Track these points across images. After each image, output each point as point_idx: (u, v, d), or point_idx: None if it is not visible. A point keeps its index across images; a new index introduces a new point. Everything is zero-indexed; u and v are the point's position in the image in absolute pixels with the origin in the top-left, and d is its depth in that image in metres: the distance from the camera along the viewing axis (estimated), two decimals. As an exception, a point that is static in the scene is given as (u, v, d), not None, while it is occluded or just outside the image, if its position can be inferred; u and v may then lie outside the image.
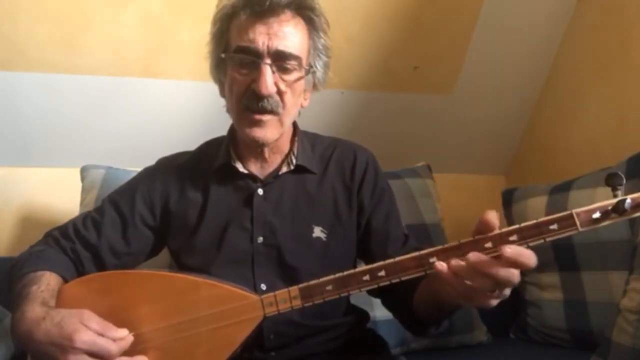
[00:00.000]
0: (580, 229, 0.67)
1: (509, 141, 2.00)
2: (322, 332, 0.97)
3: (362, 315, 1.07)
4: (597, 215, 0.67)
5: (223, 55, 0.93)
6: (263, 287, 0.94)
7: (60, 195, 1.63)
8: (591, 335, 1.26)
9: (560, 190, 1.40)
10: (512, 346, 1.44)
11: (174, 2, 1.47)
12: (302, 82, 0.93)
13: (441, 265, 0.68)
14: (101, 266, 0.97)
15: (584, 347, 1.25)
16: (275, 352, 0.93)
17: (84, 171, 1.52)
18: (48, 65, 1.48)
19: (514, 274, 0.66)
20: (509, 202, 1.58)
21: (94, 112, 1.60)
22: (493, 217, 0.68)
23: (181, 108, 1.65)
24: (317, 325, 0.96)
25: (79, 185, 1.50)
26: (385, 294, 0.99)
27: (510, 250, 0.65)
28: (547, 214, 0.68)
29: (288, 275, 0.95)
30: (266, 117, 0.90)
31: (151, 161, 1.09)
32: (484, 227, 0.68)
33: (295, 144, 1.02)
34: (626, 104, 1.53)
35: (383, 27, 1.62)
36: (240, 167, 0.99)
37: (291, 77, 0.91)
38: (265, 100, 0.88)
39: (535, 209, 1.44)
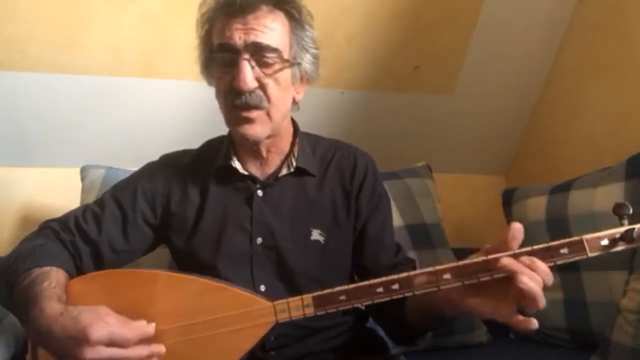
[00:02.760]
0: (590, 255, 0.70)
1: (509, 141, 2.00)
2: (322, 331, 0.97)
3: (362, 315, 1.06)
4: (605, 242, 0.70)
5: (207, 56, 0.94)
6: (262, 288, 0.93)
7: (60, 195, 1.63)
8: (591, 335, 1.26)
9: (560, 190, 1.40)
10: (512, 346, 1.43)
11: (174, 2, 1.46)
12: (286, 75, 0.92)
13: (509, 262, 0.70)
14: (99, 261, 0.96)
15: (584, 347, 1.25)
16: (275, 352, 0.93)
17: (84, 171, 1.52)
18: (48, 65, 1.48)
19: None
20: (509, 202, 1.58)
21: (93, 112, 1.60)
22: (518, 232, 0.71)
23: (181, 108, 1.65)
24: (317, 325, 0.96)
25: (79, 185, 1.50)
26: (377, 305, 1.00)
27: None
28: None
29: (287, 276, 0.95)
30: (253, 114, 0.90)
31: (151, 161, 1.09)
32: (508, 240, 0.70)
33: (296, 146, 1.01)
34: (626, 104, 1.53)
35: (383, 28, 1.62)
36: (240, 168, 0.99)
37: (272, 70, 0.90)
38: (248, 95, 0.88)
39: (535, 209, 1.43)
